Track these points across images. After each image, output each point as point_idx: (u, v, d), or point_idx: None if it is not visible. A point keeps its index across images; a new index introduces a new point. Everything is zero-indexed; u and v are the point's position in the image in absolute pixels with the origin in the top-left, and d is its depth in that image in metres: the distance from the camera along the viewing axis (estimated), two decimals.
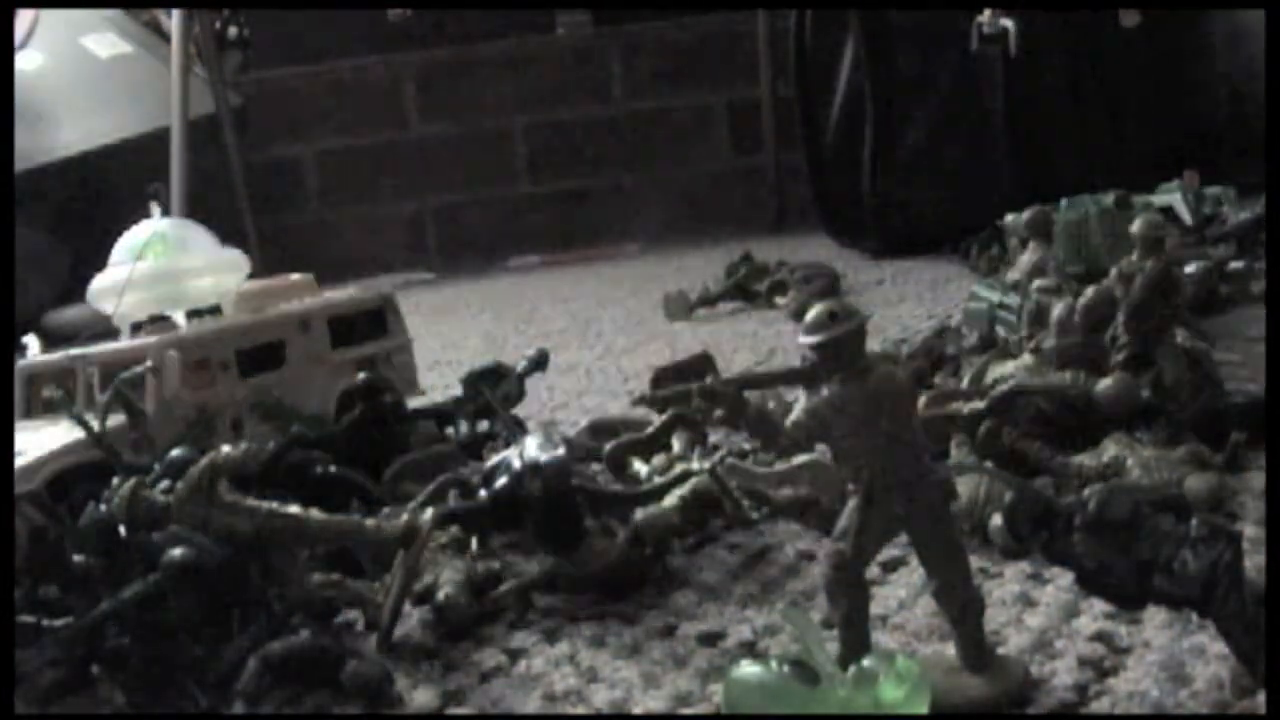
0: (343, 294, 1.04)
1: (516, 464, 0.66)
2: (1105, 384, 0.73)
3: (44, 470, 0.78)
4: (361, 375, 0.97)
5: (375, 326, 1.03)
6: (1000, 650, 0.52)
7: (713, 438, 0.86)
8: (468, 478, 0.75)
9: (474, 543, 0.70)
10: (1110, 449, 0.69)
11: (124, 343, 0.92)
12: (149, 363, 0.86)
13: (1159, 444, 0.70)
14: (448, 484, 0.75)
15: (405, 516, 0.64)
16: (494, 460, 0.69)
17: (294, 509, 0.62)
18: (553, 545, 0.65)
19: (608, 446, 0.80)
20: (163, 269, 0.97)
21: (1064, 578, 0.58)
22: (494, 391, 0.95)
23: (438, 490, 0.74)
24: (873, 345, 1.00)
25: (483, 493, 0.68)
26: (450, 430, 0.95)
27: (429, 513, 0.64)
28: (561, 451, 0.65)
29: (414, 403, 0.99)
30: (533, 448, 0.66)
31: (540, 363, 1.00)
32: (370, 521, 0.63)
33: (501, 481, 0.66)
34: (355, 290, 1.06)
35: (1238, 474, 0.68)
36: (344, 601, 0.64)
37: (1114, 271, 0.79)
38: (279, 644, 0.57)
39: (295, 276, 1.05)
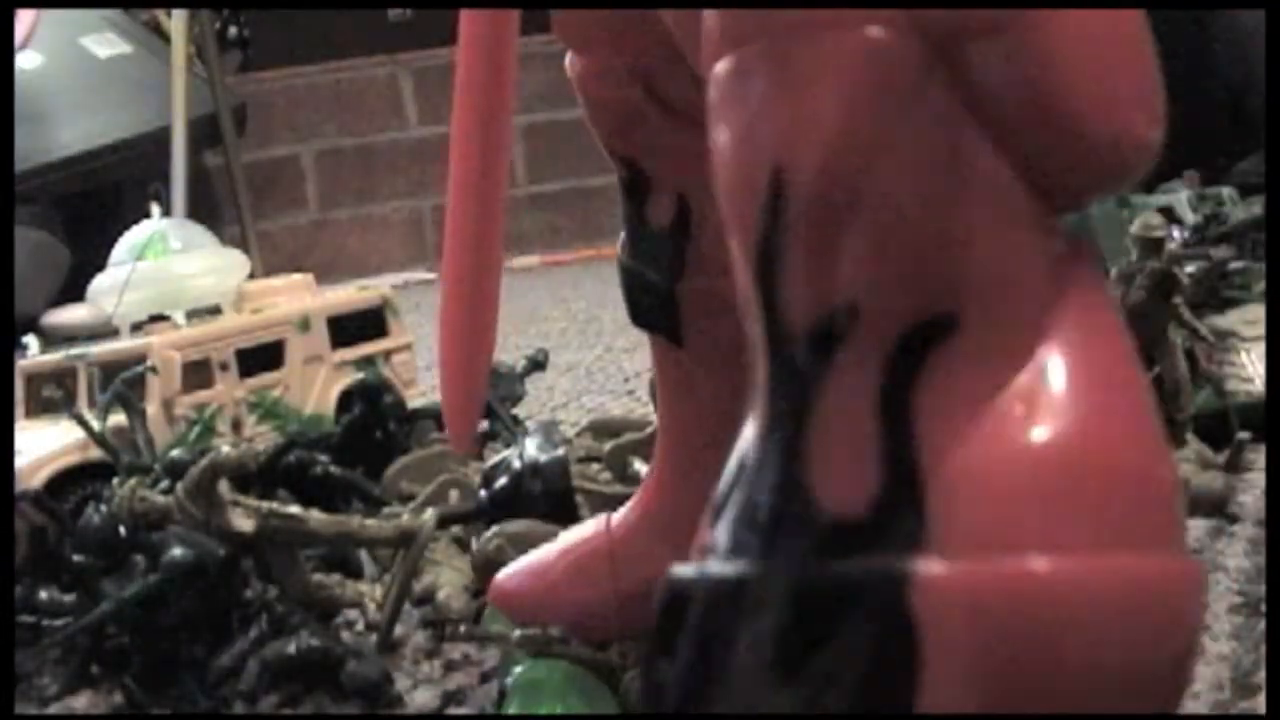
0: (343, 294, 1.04)
1: (516, 464, 0.66)
2: None
3: (44, 470, 0.78)
4: (361, 375, 0.97)
5: (375, 326, 1.03)
6: None
7: None
8: (468, 478, 0.75)
9: (474, 542, 0.70)
10: None
11: (124, 343, 0.92)
12: (149, 363, 0.86)
13: None
14: (448, 484, 0.75)
15: (405, 517, 0.64)
16: (494, 461, 0.69)
17: (294, 509, 0.62)
18: None
19: (608, 446, 0.80)
20: (163, 269, 0.97)
21: None
22: (494, 391, 0.95)
23: (438, 490, 0.74)
24: None
25: (482, 493, 0.68)
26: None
27: (430, 513, 0.64)
28: (561, 452, 0.65)
29: (414, 403, 0.99)
30: (532, 448, 0.66)
31: (540, 363, 1.00)
32: (370, 521, 0.63)
33: (501, 482, 0.66)
34: (355, 290, 1.06)
35: (1239, 474, 0.68)
36: (344, 602, 0.64)
37: (1114, 271, 0.79)
38: (279, 644, 0.57)
39: (295, 276, 1.05)
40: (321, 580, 0.64)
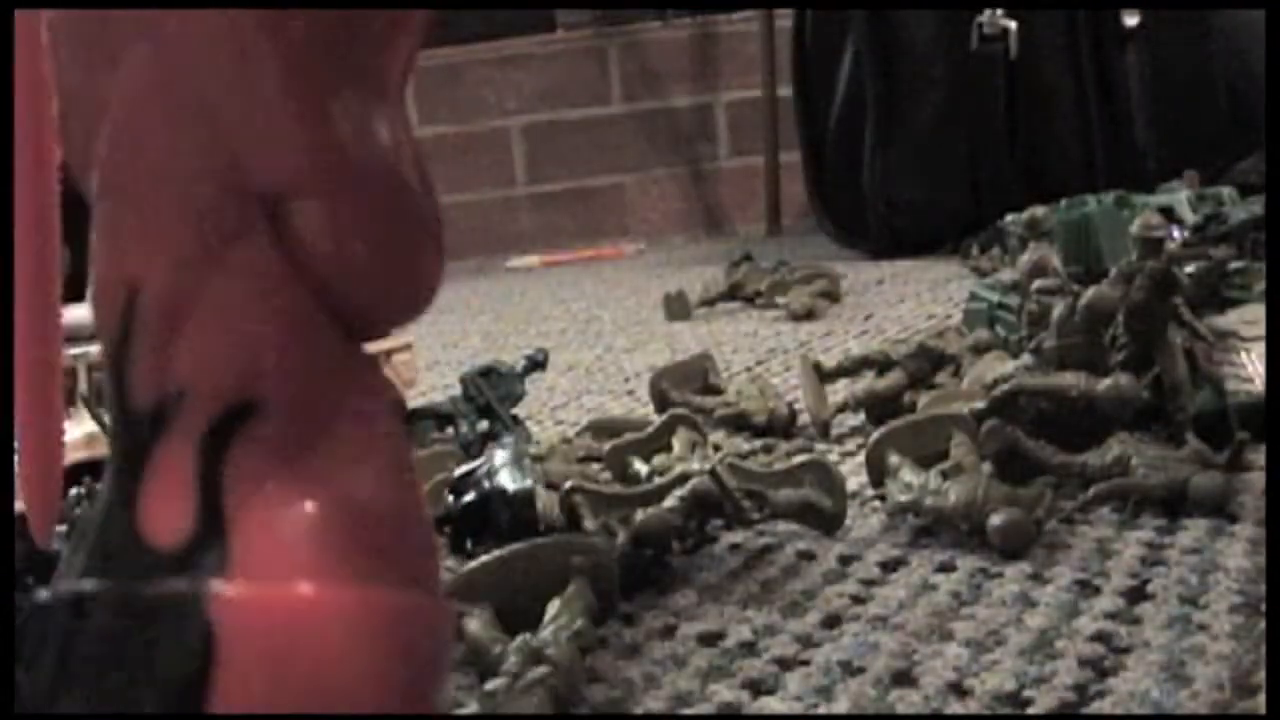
0: None
1: (485, 484, 0.66)
2: (1105, 384, 0.73)
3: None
4: None
5: None
6: (999, 650, 0.52)
7: (713, 437, 0.85)
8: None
9: (469, 542, 0.70)
10: (1115, 448, 0.69)
11: None
12: None
13: (1160, 444, 0.70)
14: (446, 484, 0.75)
15: None
16: (463, 470, 0.69)
17: None
18: None
19: (608, 446, 0.80)
20: None
21: (1064, 578, 0.58)
22: (494, 391, 0.95)
23: (435, 490, 0.74)
24: (873, 345, 1.00)
25: (450, 499, 0.68)
26: (450, 430, 0.95)
27: None
28: (529, 482, 0.65)
29: (414, 403, 0.99)
30: (504, 473, 0.66)
31: (540, 363, 0.99)
32: None
33: (470, 497, 0.66)
34: None
35: (1239, 474, 0.68)
36: None
37: (1114, 271, 0.79)
38: None
39: None
40: None
